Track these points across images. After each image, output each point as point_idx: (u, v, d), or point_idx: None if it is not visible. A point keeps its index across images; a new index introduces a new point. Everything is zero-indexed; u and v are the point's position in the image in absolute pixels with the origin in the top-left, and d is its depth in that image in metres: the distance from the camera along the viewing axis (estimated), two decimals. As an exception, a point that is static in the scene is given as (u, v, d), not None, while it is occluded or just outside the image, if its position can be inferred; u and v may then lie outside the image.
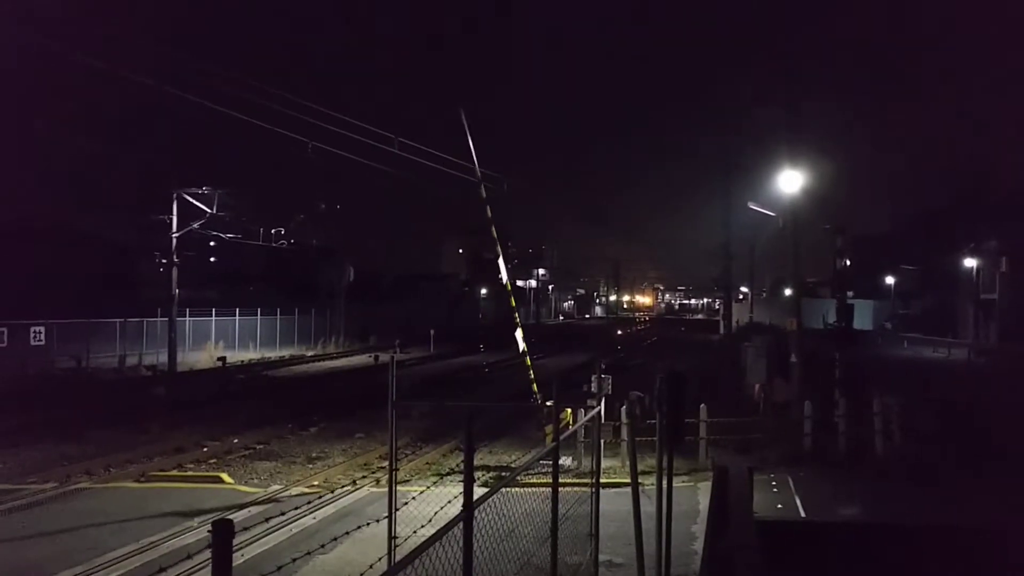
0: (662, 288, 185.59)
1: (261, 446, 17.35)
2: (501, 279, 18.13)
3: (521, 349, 17.36)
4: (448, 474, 13.96)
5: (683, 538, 9.71)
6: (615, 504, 10.03)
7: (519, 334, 17.45)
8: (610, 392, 15.28)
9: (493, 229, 17.58)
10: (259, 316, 44.18)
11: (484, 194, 17.54)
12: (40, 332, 31.08)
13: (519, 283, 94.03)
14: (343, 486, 13.00)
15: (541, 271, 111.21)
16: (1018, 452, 13.90)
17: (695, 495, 12.29)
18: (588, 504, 7.92)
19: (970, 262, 50.94)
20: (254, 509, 11.69)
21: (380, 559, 6.90)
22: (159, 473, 14.52)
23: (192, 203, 33.48)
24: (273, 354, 41.66)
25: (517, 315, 18.33)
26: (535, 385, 16.94)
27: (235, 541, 2.80)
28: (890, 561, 6.20)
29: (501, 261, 17.65)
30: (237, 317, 42.66)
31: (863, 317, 56.46)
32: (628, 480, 8.74)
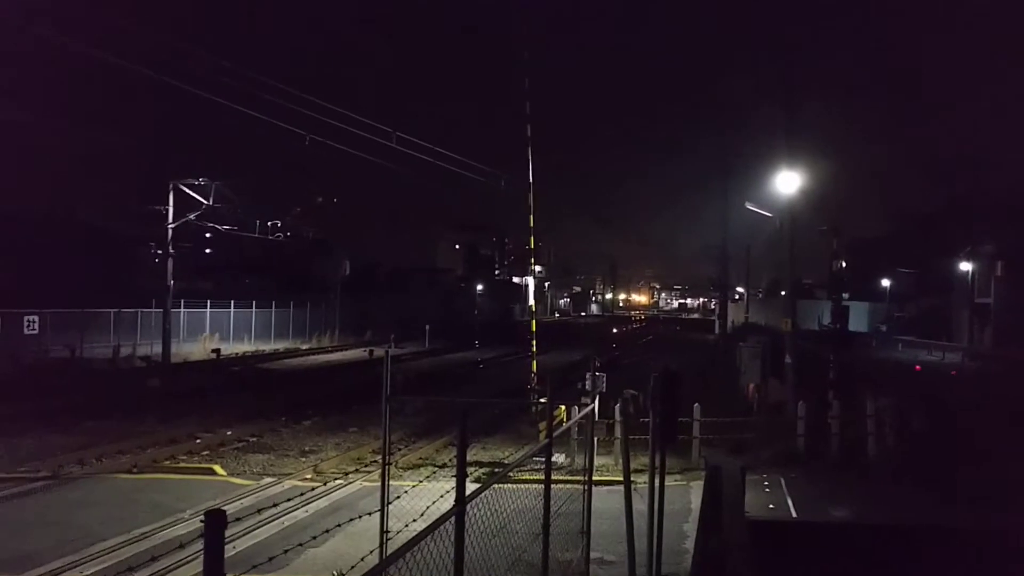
0: (658, 287, 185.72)
1: (254, 439, 17.34)
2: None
3: (533, 343, 18.75)
4: (442, 467, 13.98)
5: (674, 537, 9.73)
6: (607, 502, 10.04)
7: (533, 327, 19.27)
8: (604, 390, 15.30)
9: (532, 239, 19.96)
10: (254, 308, 44.07)
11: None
12: (34, 321, 30.95)
13: (515, 280, 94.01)
14: (336, 479, 13.02)
15: (538, 268, 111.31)
16: (1008, 454, 13.95)
17: (687, 494, 12.31)
18: (580, 501, 7.94)
19: (966, 266, 50.99)
20: (246, 501, 11.69)
21: (372, 552, 6.91)
22: (152, 464, 14.51)
23: (188, 194, 33.45)
24: (268, 347, 41.60)
25: (533, 309, 21.14)
26: (535, 376, 17.38)
27: (227, 533, 2.79)
28: (882, 562, 6.21)
29: (536, 266, 20.23)
30: (232, 309, 42.56)
31: (858, 319, 56.51)
32: (621, 478, 8.75)
